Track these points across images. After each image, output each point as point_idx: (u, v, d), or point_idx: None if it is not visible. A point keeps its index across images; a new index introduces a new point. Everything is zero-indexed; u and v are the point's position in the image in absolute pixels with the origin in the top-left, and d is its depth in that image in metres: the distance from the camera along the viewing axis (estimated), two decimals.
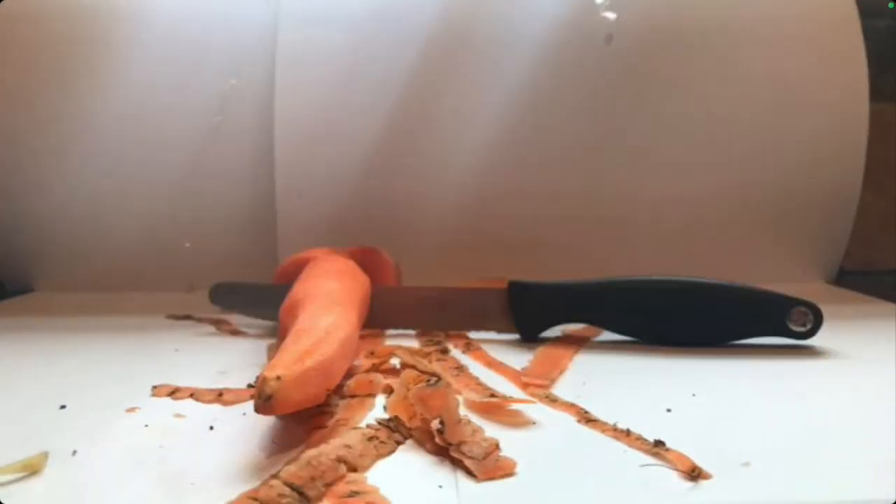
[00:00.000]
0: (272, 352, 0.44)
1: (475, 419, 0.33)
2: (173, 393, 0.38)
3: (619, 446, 0.31)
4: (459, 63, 0.63)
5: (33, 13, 0.65)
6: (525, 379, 0.40)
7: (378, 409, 0.35)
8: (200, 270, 0.64)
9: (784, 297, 0.45)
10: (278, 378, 0.30)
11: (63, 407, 0.36)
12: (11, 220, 0.65)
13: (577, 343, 0.47)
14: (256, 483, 0.28)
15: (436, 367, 0.39)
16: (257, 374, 0.41)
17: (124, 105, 0.64)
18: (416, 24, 0.63)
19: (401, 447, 0.32)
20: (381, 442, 0.31)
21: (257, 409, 0.30)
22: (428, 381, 0.35)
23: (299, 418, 0.35)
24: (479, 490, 0.28)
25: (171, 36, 0.64)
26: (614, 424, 0.33)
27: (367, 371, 0.39)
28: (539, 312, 0.48)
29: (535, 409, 0.35)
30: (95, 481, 0.28)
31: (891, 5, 0.71)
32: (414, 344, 0.46)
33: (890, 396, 0.37)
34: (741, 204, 0.65)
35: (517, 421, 0.34)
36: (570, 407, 0.36)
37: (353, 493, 0.27)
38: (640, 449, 0.31)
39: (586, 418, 0.34)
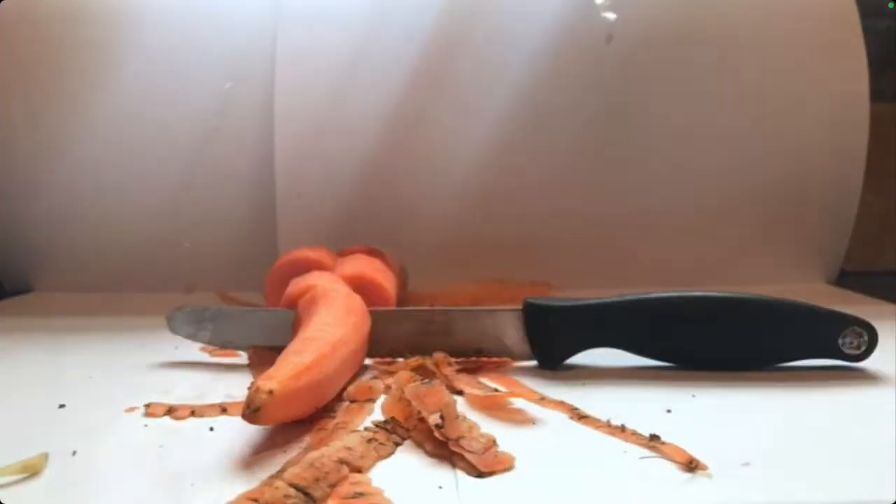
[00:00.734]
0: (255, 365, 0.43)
1: (473, 417, 0.34)
2: (171, 412, 0.36)
3: (616, 442, 0.31)
4: (459, 63, 0.63)
5: (32, 15, 0.65)
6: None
7: (377, 414, 0.35)
8: (200, 271, 0.64)
9: (837, 314, 0.41)
10: (270, 392, 0.31)
11: (62, 406, 0.36)
12: (11, 220, 0.65)
13: None
14: (256, 484, 0.28)
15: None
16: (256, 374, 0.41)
17: (124, 106, 0.64)
18: (416, 24, 0.63)
19: (399, 448, 0.32)
20: (381, 443, 0.31)
21: (244, 418, 0.31)
22: (423, 380, 0.35)
23: (300, 421, 0.35)
24: (480, 490, 0.28)
25: (170, 37, 0.64)
26: (607, 421, 0.34)
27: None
28: (561, 336, 0.42)
29: (529, 408, 0.36)
30: (95, 481, 0.28)
31: (891, 5, 0.71)
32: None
33: (887, 398, 0.37)
34: (742, 204, 0.65)
35: (517, 418, 0.34)
36: (561, 405, 0.36)
37: (358, 495, 0.27)
38: (635, 444, 0.31)
39: (578, 415, 0.35)
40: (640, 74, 0.64)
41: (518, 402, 0.36)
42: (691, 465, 0.29)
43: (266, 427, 0.34)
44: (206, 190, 0.65)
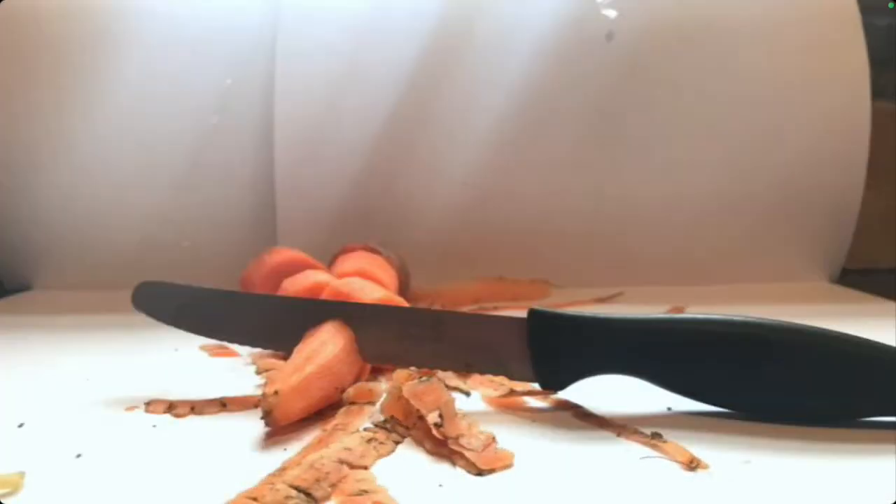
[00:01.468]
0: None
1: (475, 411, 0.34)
2: (171, 408, 0.36)
3: (617, 441, 0.31)
4: (460, 61, 0.63)
5: (32, 13, 0.65)
6: None
7: (376, 416, 0.35)
8: (200, 270, 0.64)
9: None
10: (276, 393, 0.32)
11: (62, 406, 0.36)
12: (10, 218, 0.65)
13: None
14: (256, 482, 0.28)
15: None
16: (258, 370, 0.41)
17: (123, 104, 0.64)
18: (416, 23, 0.63)
19: (399, 447, 0.32)
20: (380, 443, 0.31)
21: (265, 424, 0.32)
22: (420, 378, 0.35)
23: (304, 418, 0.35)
24: (480, 489, 0.28)
25: (170, 35, 0.64)
26: (610, 419, 0.34)
27: None
28: (571, 356, 0.35)
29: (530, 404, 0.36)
30: (95, 481, 0.28)
31: (891, 5, 0.71)
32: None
33: None
34: (743, 203, 0.65)
35: (524, 415, 0.35)
36: (562, 403, 0.36)
37: (362, 492, 0.27)
38: (637, 442, 0.31)
39: (582, 413, 0.35)
40: (641, 73, 0.64)
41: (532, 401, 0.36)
42: (692, 465, 0.28)
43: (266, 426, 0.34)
44: (206, 189, 0.65)
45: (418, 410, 0.32)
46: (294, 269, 0.48)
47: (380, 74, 0.63)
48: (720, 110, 0.64)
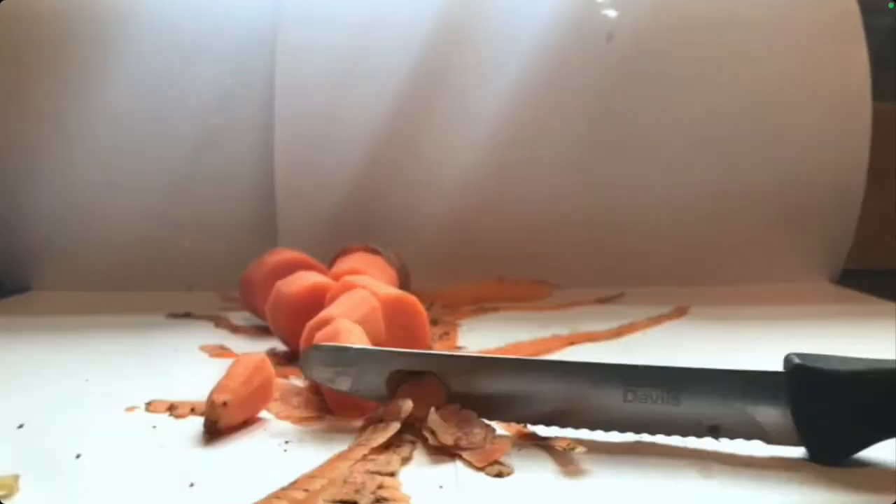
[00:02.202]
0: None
1: None
2: (171, 409, 0.36)
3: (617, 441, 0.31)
4: (460, 62, 0.63)
5: (31, 13, 0.64)
6: None
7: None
8: (200, 270, 0.64)
9: None
10: (225, 404, 0.33)
11: (61, 406, 0.36)
12: (10, 219, 0.65)
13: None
14: (256, 481, 0.28)
15: None
16: None
17: (123, 104, 0.64)
18: (416, 24, 0.63)
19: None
20: (397, 446, 0.31)
21: (207, 432, 0.32)
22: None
23: (302, 418, 0.35)
24: (480, 489, 0.28)
25: (170, 35, 0.64)
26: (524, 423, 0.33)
27: None
28: (844, 419, 0.28)
29: None
30: (94, 482, 0.28)
31: (891, 5, 0.71)
32: None
33: None
34: (744, 203, 0.65)
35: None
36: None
37: (382, 499, 0.27)
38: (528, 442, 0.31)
39: None
40: (641, 73, 0.64)
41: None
42: (570, 448, 0.30)
43: (265, 426, 0.34)
44: (206, 189, 0.64)
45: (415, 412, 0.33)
46: (294, 269, 0.48)
47: (380, 75, 0.63)
48: (720, 111, 0.64)
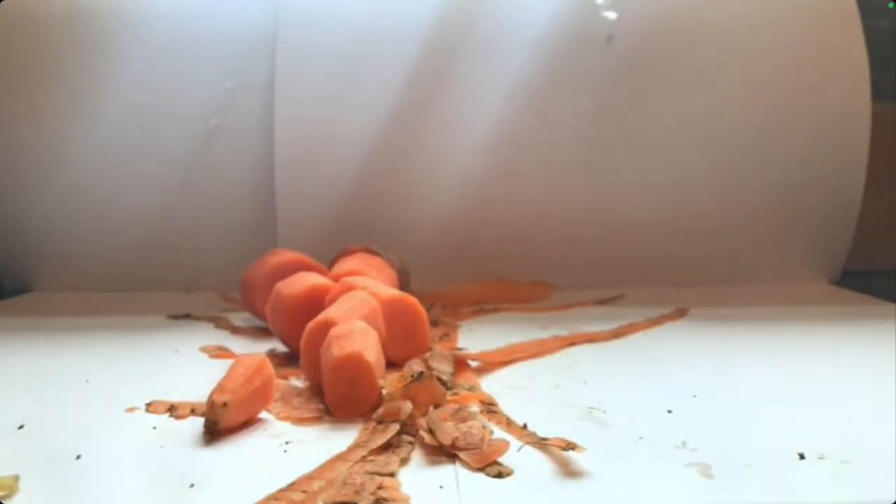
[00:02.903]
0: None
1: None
2: (172, 410, 0.36)
3: (619, 441, 0.31)
4: (459, 63, 0.63)
5: (32, 13, 0.64)
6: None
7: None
8: (200, 270, 0.64)
9: None
10: (225, 405, 0.32)
11: (62, 406, 0.36)
12: (10, 219, 0.65)
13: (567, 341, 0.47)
14: (257, 481, 0.28)
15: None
16: None
17: (124, 105, 0.64)
18: (415, 24, 0.63)
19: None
20: (397, 447, 0.31)
21: (207, 433, 0.32)
22: (412, 376, 0.35)
23: (302, 418, 0.35)
24: (480, 489, 0.28)
25: (170, 36, 0.64)
26: (524, 424, 0.34)
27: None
28: None
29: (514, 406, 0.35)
30: (94, 482, 0.28)
31: (891, 5, 0.71)
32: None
33: (889, 398, 0.37)
34: (744, 204, 0.65)
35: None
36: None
37: (382, 500, 0.27)
38: (528, 442, 0.31)
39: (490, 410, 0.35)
40: (641, 74, 0.64)
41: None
42: (569, 447, 0.30)
43: (265, 426, 0.34)
44: (206, 189, 0.65)
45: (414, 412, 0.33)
46: (294, 270, 0.48)
47: (380, 75, 0.63)
48: (720, 112, 0.64)
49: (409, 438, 0.32)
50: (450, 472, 0.29)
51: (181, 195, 0.64)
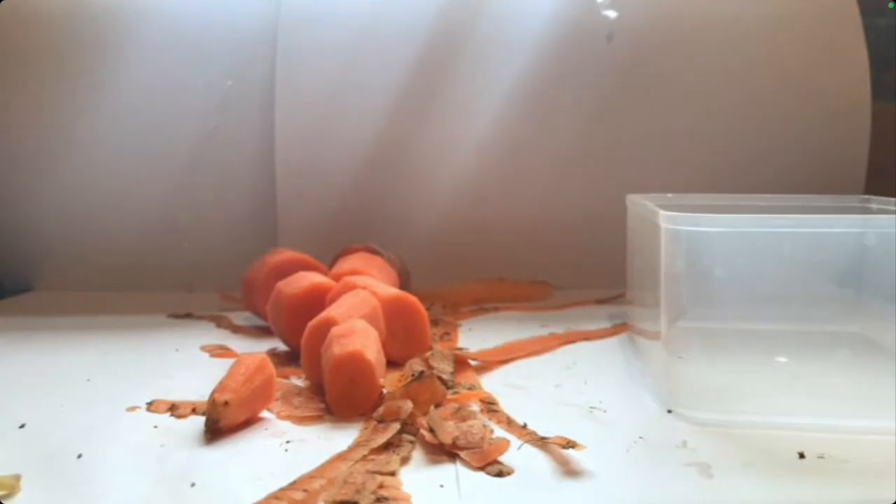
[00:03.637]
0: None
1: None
2: (172, 409, 0.36)
3: (620, 440, 0.31)
4: (460, 62, 0.63)
5: (32, 14, 0.64)
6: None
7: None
8: (200, 270, 0.64)
9: None
10: (226, 403, 0.33)
11: (63, 406, 0.36)
12: (11, 219, 0.65)
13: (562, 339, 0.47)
14: (257, 480, 0.28)
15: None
16: None
17: (124, 105, 0.64)
18: (415, 24, 0.63)
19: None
20: (397, 446, 0.31)
21: (208, 431, 0.33)
22: (413, 376, 0.35)
23: (302, 417, 0.35)
24: (480, 488, 0.28)
25: (171, 36, 0.64)
26: (524, 423, 0.34)
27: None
28: None
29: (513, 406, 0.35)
30: (96, 481, 0.28)
31: (891, 5, 0.71)
32: None
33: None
34: None
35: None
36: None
37: (383, 499, 0.27)
38: (528, 441, 0.32)
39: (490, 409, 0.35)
40: (641, 73, 0.64)
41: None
42: (569, 445, 0.30)
43: (266, 425, 0.34)
44: (206, 189, 0.64)
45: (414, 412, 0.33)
46: (295, 269, 0.48)
47: (380, 75, 0.63)
48: (720, 111, 0.64)
49: (410, 437, 0.32)
50: (450, 471, 0.29)
51: (182, 195, 0.64)
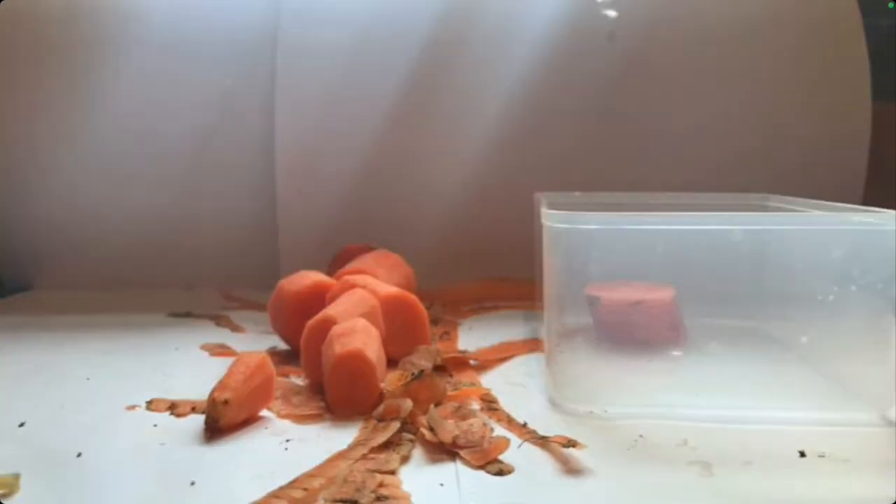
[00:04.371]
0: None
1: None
2: (172, 408, 0.36)
3: (620, 440, 0.31)
4: (460, 61, 0.63)
5: (32, 13, 0.64)
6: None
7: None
8: (200, 269, 0.64)
9: None
10: (226, 402, 0.33)
11: (63, 405, 0.36)
12: (11, 218, 0.65)
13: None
14: (257, 480, 0.28)
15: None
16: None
17: (125, 104, 0.64)
18: (416, 23, 0.63)
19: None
20: (397, 444, 0.31)
21: (208, 429, 0.33)
22: (413, 374, 0.35)
23: (302, 416, 0.35)
24: (480, 486, 0.28)
25: (171, 35, 0.64)
26: (524, 422, 0.34)
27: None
28: None
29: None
30: (95, 480, 0.28)
31: (891, 5, 0.71)
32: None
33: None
34: None
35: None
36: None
37: (384, 497, 0.27)
38: (528, 439, 0.32)
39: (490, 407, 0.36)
40: (641, 73, 0.64)
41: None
42: (569, 444, 0.30)
43: (266, 424, 0.34)
44: (206, 188, 0.64)
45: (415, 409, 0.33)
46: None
47: (380, 74, 0.63)
48: (721, 110, 0.64)
49: (410, 436, 0.32)
50: (450, 470, 0.29)
51: (182, 194, 0.64)
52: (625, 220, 0.35)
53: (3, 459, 0.30)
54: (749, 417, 0.34)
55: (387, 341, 0.41)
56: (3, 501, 0.27)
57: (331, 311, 0.40)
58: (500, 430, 0.33)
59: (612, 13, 0.63)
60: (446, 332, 0.50)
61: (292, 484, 0.28)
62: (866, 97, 0.64)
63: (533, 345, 0.46)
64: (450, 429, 0.31)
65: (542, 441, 0.31)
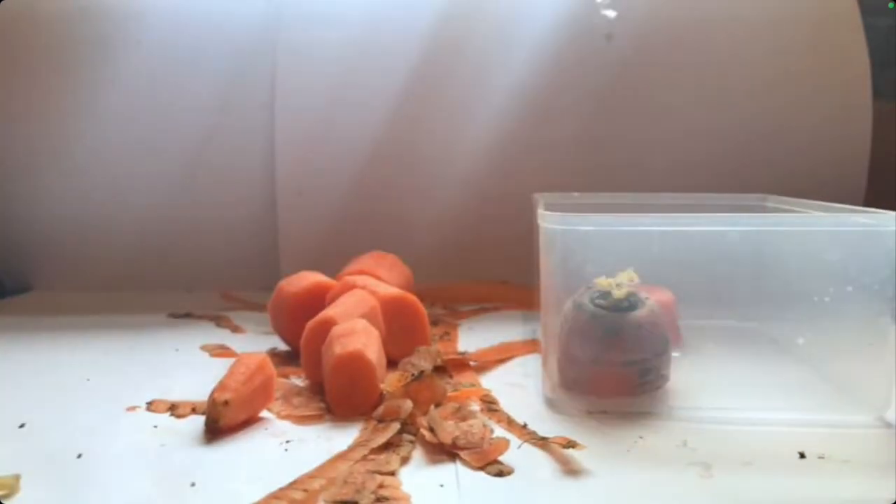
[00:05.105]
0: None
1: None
2: (172, 408, 0.36)
3: (621, 439, 0.31)
4: (459, 62, 0.63)
5: (33, 14, 0.65)
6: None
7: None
8: (201, 269, 0.64)
9: None
10: (226, 403, 0.33)
11: (63, 406, 0.36)
12: (11, 219, 0.65)
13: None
14: (257, 479, 0.28)
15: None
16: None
17: (125, 105, 0.64)
18: (416, 23, 0.63)
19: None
20: (397, 445, 0.31)
21: (208, 430, 0.33)
22: (413, 375, 0.35)
23: (301, 416, 0.35)
24: (480, 487, 0.28)
25: (172, 36, 0.64)
26: (524, 423, 0.34)
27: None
28: None
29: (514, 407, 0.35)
30: (96, 481, 0.28)
31: (891, 5, 0.71)
32: None
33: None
34: None
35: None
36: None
37: (384, 499, 0.27)
38: (528, 440, 0.32)
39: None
40: (640, 73, 0.64)
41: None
42: (569, 445, 0.30)
43: (266, 425, 0.34)
44: (206, 189, 0.64)
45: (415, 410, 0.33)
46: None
47: (380, 75, 0.63)
48: (720, 111, 0.64)
49: (410, 437, 0.32)
50: (450, 471, 0.29)
51: (182, 194, 0.64)
52: (620, 222, 0.35)
53: (3, 460, 0.30)
54: (748, 419, 0.34)
55: (387, 342, 0.41)
56: (3, 502, 0.27)
57: (331, 311, 0.40)
58: (499, 431, 0.33)
59: (610, 13, 0.63)
60: (446, 333, 0.50)
61: (292, 485, 0.28)
62: (866, 97, 0.64)
63: (533, 345, 0.47)
64: (450, 430, 0.31)
65: (542, 442, 0.31)
